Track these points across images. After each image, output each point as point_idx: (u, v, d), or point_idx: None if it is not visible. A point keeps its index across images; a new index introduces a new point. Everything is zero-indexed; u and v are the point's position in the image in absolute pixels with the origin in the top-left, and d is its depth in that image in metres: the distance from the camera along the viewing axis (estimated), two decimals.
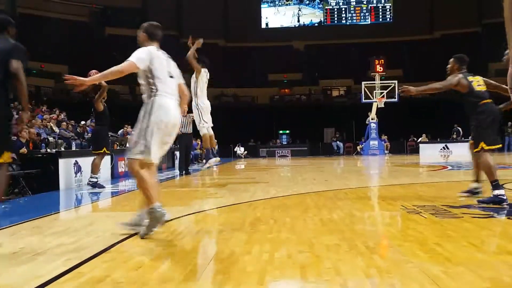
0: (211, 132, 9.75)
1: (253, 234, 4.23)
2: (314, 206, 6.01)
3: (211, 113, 10.23)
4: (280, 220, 4.95)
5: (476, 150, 5.91)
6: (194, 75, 9.60)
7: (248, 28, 43.10)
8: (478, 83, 6.07)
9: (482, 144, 5.81)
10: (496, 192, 5.59)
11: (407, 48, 39.61)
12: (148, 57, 4.23)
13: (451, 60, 6.38)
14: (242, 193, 7.89)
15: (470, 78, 6.10)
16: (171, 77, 4.36)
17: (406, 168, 15.07)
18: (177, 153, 15.81)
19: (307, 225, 4.67)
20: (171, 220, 5.08)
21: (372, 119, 28.27)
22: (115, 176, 11.80)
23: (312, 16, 45.71)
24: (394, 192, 7.57)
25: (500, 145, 6.20)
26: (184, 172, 13.27)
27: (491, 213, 4.99)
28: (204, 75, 9.82)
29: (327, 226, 4.56)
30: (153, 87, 4.20)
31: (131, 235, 4.19)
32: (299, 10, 45.66)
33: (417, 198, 6.63)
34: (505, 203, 5.44)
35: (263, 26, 45.46)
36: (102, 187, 9.10)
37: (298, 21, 45.71)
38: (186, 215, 5.55)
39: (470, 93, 6.02)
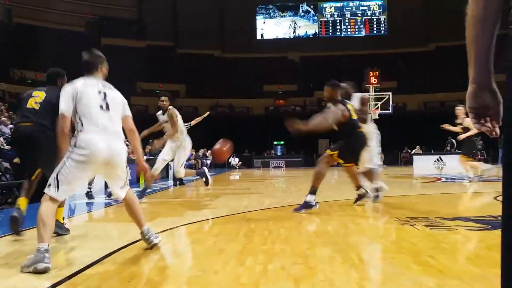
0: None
1: (247, 245, 4.22)
2: (308, 217, 6.01)
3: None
4: (274, 232, 4.94)
5: (330, 153, 6.61)
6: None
7: (243, 39, 43.36)
8: (352, 110, 6.65)
9: (336, 153, 6.53)
10: (309, 198, 6.37)
11: (401, 60, 39.87)
12: (72, 96, 3.92)
13: (328, 88, 6.67)
14: (236, 204, 7.88)
15: (348, 106, 6.64)
16: (106, 109, 3.94)
17: (400, 180, 15.09)
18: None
19: (301, 237, 4.66)
20: (165, 231, 5.07)
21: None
22: (108, 186, 11.75)
23: (307, 27, 46.06)
24: (387, 203, 7.57)
25: (353, 164, 6.74)
26: (178, 182, 13.23)
27: (485, 225, 5.00)
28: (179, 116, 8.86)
29: (321, 238, 4.55)
30: (79, 123, 3.86)
31: (123, 247, 4.17)
32: (295, 22, 46.01)
33: (410, 210, 6.64)
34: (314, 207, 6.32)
35: (259, 37, 45.75)
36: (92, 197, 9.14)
37: (294, 32, 46.02)
38: (180, 226, 5.54)
39: (349, 122, 6.53)
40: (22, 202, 5.04)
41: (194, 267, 3.55)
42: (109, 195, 9.05)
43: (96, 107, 3.89)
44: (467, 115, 11.14)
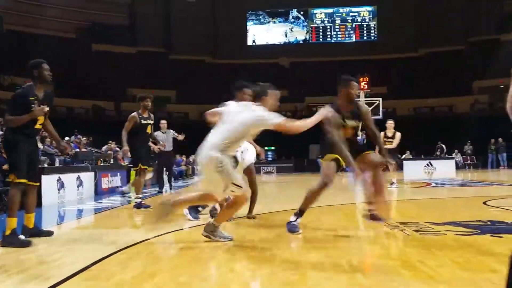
0: None
1: (237, 252, 4.21)
2: (299, 223, 5.99)
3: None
4: (264, 238, 4.93)
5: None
6: None
7: (235, 45, 43.40)
8: None
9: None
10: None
11: (391, 66, 40.06)
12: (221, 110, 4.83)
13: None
14: None
15: None
16: (223, 124, 4.61)
17: (390, 185, 15.11)
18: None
19: (291, 242, 4.65)
20: (153, 238, 5.04)
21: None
22: (99, 193, 11.69)
23: (297, 34, 46.19)
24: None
25: None
26: (163, 188, 13.02)
27: (475, 230, 5.01)
28: None
29: (312, 244, 4.54)
30: None
31: (112, 253, 4.14)
32: (290, 29, 46.18)
33: (400, 215, 6.66)
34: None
35: (250, 43, 45.82)
36: (146, 206, 8.24)
37: (286, 37, 46.17)
38: (169, 232, 5.50)
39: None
40: None
41: (183, 273, 3.52)
42: (121, 193, 8.83)
43: (220, 122, 4.65)
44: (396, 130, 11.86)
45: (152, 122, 8.52)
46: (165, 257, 4.16)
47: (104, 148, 17.42)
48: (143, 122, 8.26)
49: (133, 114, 8.28)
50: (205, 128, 4.85)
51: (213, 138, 4.53)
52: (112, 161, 15.26)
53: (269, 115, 4.56)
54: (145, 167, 8.44)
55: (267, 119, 4.51)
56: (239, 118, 4.52)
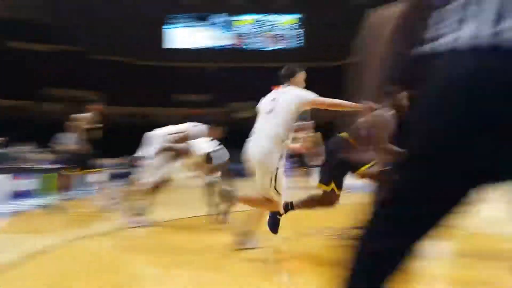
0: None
1: (155, 259, 4.24)
2: (215, 229, 6.09)
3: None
4: (181, 244, 4.96)
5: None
6: None
7: (157, 48, 42.90)
8: None
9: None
10: None
11: (315, 74, 41.10)
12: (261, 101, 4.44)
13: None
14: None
15: None
16: (270, 112, 4.24)
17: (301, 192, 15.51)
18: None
19: (209, 248, 4.75)
20: (64, 243, 4.93)
21: None
22: (12, 196, 11.22)
23: (223, 39, 46.37)
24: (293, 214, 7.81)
25: None
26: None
27: None
28: None
29: (225, 248, 4.66)
30: None
31: (19, 261, 4.02)
32: (212, 32, 46.18)
33: (314, 221, 6.90)
34: None
35: (174, 46, 45.45)
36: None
37: (211, 42, 46.18)
38: (82, 237, 5.38)
39: None
40: None
41: (95, 281, 3.48)
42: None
43: (263, 112, 4.31)
44: None
45: (100, 125, 8.73)
46: (76, 264, 4.08)
47: (20, 149, 16.67)
48: (93, 124, 8.56)
49: (84, 115, 8.51)
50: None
51: (266, 131, 4.18)
52: (29, 164, 14.69)
53: (305, 91, 4.41)
54: (91, 169, 8.72)
55: (305, 95, 4.34)
56: (280, 104, 4.24)
